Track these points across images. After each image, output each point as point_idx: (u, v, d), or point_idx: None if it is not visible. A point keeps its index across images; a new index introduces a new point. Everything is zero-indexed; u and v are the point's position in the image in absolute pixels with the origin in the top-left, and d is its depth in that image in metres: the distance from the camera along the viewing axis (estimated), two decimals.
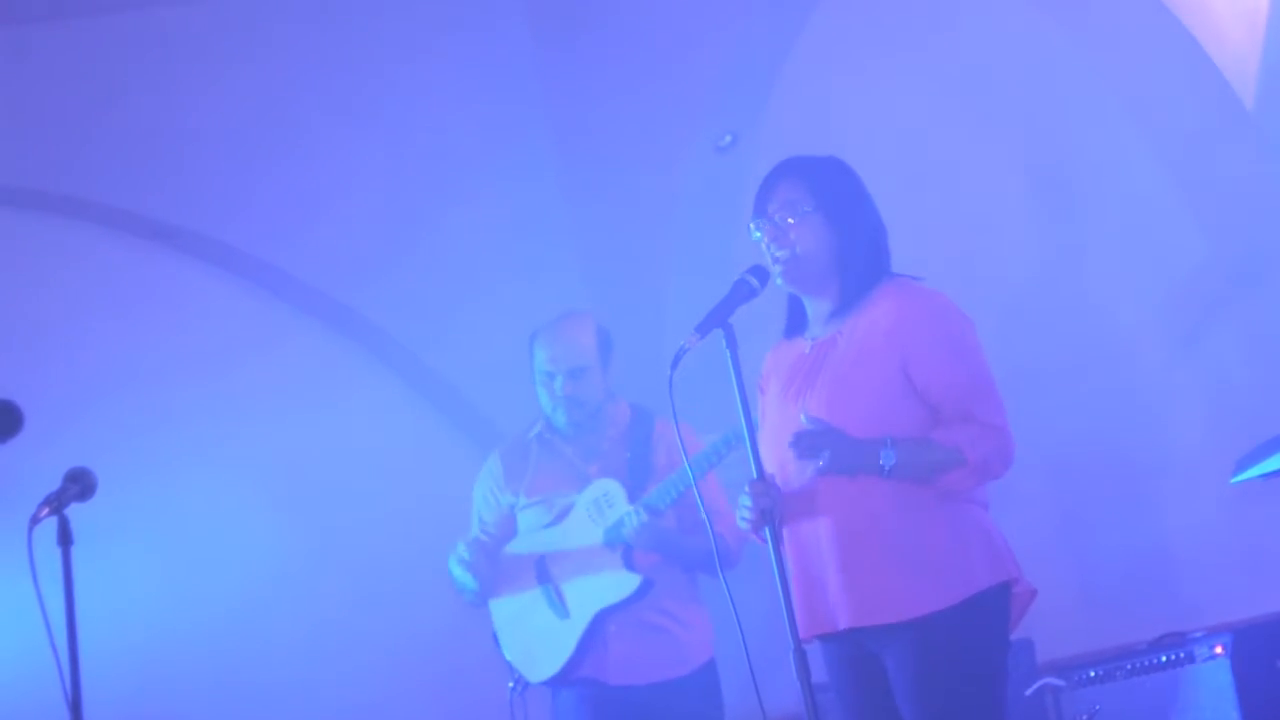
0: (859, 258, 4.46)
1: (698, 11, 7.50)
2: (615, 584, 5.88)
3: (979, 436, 4.28)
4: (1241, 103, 6.41)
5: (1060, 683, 6.28)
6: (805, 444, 4.24)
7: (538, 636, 6.02)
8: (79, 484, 4.21)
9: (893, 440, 4.24)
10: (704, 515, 4.47)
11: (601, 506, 5.94)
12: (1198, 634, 6.17)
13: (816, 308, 4.54)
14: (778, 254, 4.46)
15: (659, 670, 5.93)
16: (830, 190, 4.49)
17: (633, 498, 5.87)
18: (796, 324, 4.60)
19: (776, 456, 4.38)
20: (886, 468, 4.23)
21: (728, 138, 7.68)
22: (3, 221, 7.35)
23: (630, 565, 5.87)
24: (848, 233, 4.46)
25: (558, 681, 6.00)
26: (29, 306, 7.28)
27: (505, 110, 7.83)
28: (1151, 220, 7.09)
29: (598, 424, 6.06)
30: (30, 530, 4.10)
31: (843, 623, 4.31)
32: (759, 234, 4.49)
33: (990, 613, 4.29)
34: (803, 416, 4.33)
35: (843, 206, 4.48)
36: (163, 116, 7.28)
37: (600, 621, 5.91)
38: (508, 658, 6.13)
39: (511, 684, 6.09)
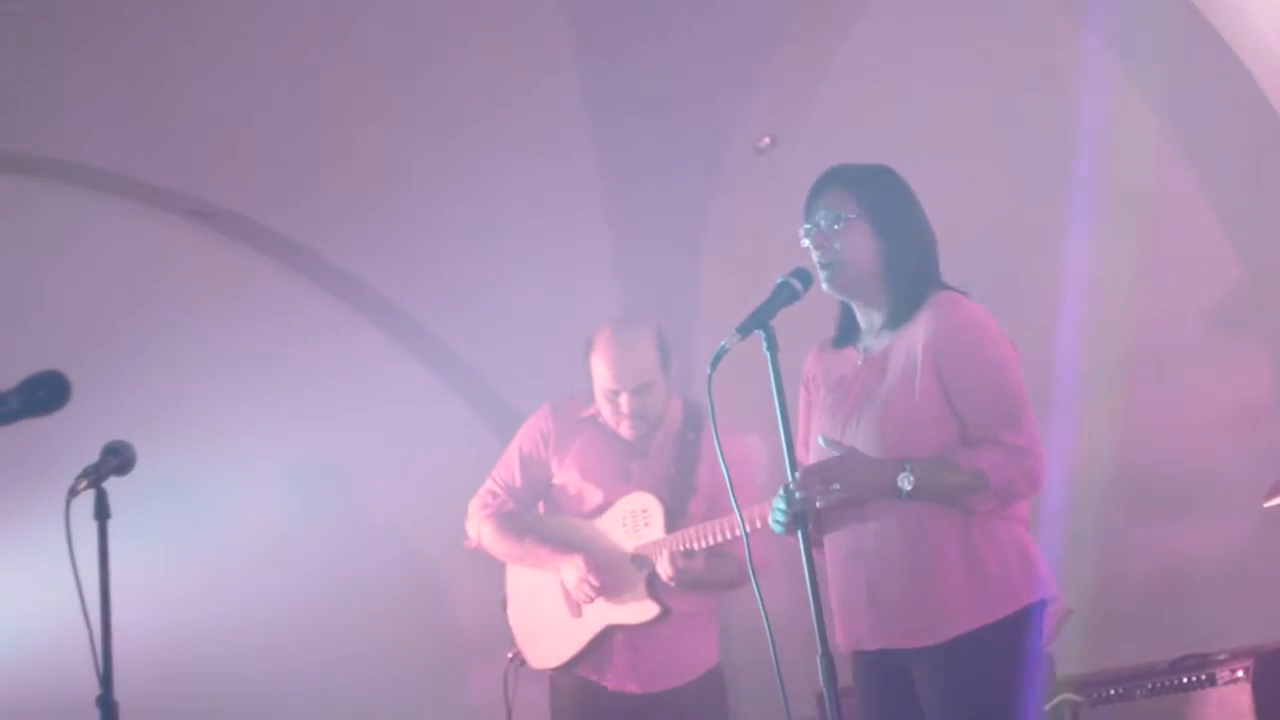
0: (906, 266, 4.45)
1: (740, 13, 7.50)
2: (633, 606, 5.88)
3: (1003, 460, 4.27)
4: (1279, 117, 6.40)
5: (1079, 699, 6.27)
6: (814, 479, 4.24)
7: (545, 624, 6.03)
8: (118, 457, 4.19)
9: (912, 464, 4.24)
10: (750, 562, 4.44)
11: (638, 521, 5.90)
12: (1220, 656, 6.16)
13: (868, 318, 4.54)
14: (822, 260, 4.45)
15: (659, 679, 5.94)
16: (876, 198, 4.48)
17: (670, 522, 5.83)
18: (847, 333, 4.60)
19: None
20: (905, 491, 4.24)
21: (766, 139, 7.68)
22: (43, 196, 7.39)
23: (653, 593, 5.85)
24: (893, 241, 4.45)
25: (556, 672, 6.04)
26: (71, 281, 7.31)
27: (545, 110, 7.83)
28: (1187, 238, 7.08)
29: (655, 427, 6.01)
30: (68, 503, 4.10)
31: (881, 643, 4.34)
32: (807, 241, 4.49)
33: (1023, 631, 4.29)
34: (820, 440, 4.35)
35: (888, 215, 4.47)
36: (204, 95, 7.29)
37: (608, 631, 5.92)
38: (513, 631, 6.15)
39: (510, 655, 6.13)
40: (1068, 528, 6.84)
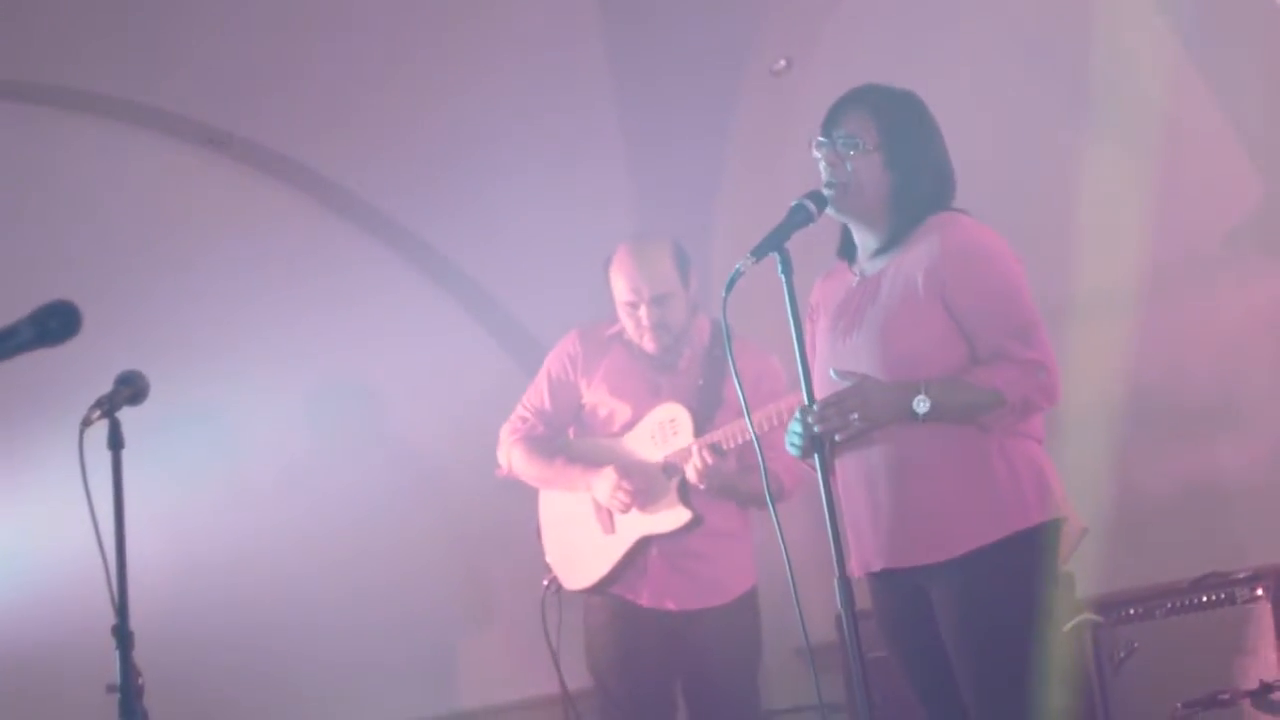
0: (914, 199, 4.44)
1: None
2: (666, 514, 5.88)
3: (1018, 375, 4.27)
4: None
5: (1099, 618, 6.27)
6: (832, 412, 4.23)
7: (579, 545, 6.05)
8: (131, 387, 4.19)
9: (926, 385, 4.24)
10: (761, 459, 4.46)
11: (666, 431, 5.92)
12: (1241, 575, 6.15)
13: (864, 239, 4.53)
14: (831, 179, 4.43)
15: (695, 597, 5.95)
16: (897, 129, 4.45)
17: (699, 430, 5.84)
18: (847, 249, 4.59)
19: (825, 393, 4.35)
20: (920, 414, 4.23)
21: (782, 62, 7.65)
22: (61, 124, 7.37)
23: (685, 499, 5.85)
24: (906, 175, 4.43)
25: (591, 592, 6.04)
26: (85, 210, 7.29)
27: (560, 30, 7.78)
28: (1208, 157, 7.03)
29: (680, 340, 6.01)
30: (81, 432, 4.10)
31: (894, 563, 4.34)
32: (818, 154, 4.46)
33: (1037, 548, 4.30)
34: (832, 372, 4.34)
35: (906, 148, 4.45)
36: (223, 22, 7.26)
37: (643, 545, 5.91)
38: (547, 558, 6.16)
39: (546, 582, 6.14)
40: (1087, 445, 6.84)
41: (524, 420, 6.19)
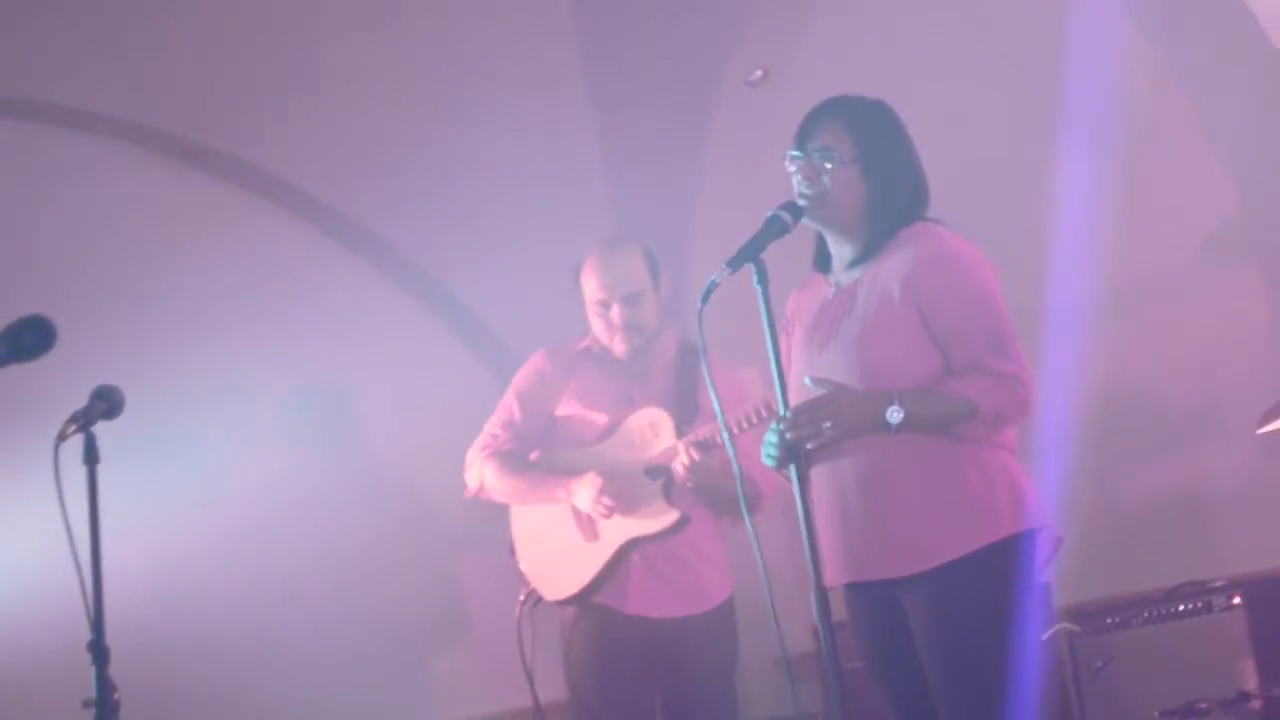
0: (890, 211, 4.44)
1: None
2: (651, 516, 5.83)
3: (992, 387, 4.26)
4: (1276, 50, 6.37)
5: (1076, 628, 6.28)
6: (805, 419, 4.22)
7: (559, 554, 5.97)
8: (106, 401, 4.18)
9: (900, 395, 4.23)
10: (735, 462, 4.46)
11: (646, 435, 5.86)
12: (1217, 583, 6.16)
13: (839, 249, 4.53)
14: (806, 191, 4.43)
15: (677, 605, 5.89)
16: (872, 141, 4.45)
17: (680, 432, 5.81)
18: (822, 259, 4.59)
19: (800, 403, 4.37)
20: (893, 424, 4.23)
21: (759, 73, 7.65)
22: (34, 138, 7.34)
23: (670, 500, 5.83)
24: (882, 187, 4.43)
25: (572, 602, 5.97)
26: (58, 224, 7.27)
27: (536, 40, 7.79)
28: (1183, 167, 7.05)
29: (649, 348, 5.98)
30: (56, 447, 4.09)
31: (867, 575, 4.34)
32: (793, 168, 4.46)
33: (1013, 559, 4.28)
34: (807, 380, 4.33)
35: (882, 160, 4.45)
36: (194, 35, 7.25)
37: (626, 550, 5.88)
38: (523, 570, 6.11)
39: (522, 598, 6.07)
40: (1062, 456, 6.85)
41: (494, 437, 6.12)
